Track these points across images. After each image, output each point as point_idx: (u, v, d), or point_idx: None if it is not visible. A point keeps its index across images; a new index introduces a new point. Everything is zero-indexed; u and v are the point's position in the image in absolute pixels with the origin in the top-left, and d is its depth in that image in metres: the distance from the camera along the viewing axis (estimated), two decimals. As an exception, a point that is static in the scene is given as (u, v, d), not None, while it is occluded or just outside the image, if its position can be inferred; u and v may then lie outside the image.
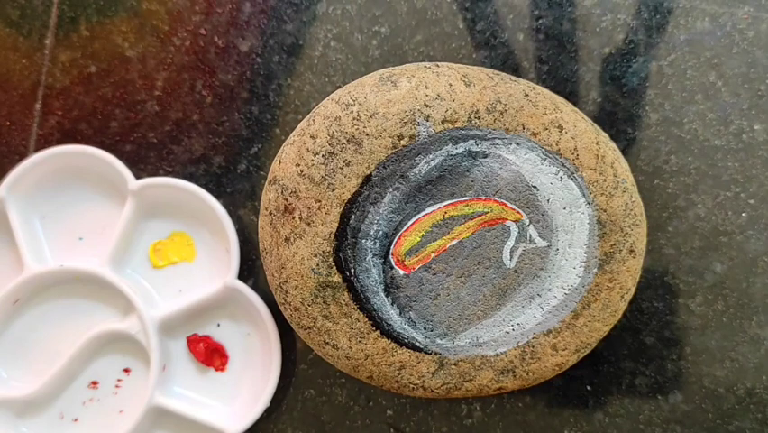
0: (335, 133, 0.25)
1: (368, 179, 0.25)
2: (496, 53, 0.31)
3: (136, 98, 0.33)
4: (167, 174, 0.32)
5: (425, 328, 0.26)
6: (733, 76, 0.30)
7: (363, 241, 0.25)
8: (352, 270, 0.26)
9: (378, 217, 0.25)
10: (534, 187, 0.26)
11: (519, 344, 0.26)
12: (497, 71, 0.27)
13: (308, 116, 0.26)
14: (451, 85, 0.25)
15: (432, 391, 0.27)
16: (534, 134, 0.26)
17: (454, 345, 0.26)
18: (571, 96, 0.31)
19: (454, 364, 0.26)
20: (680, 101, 0.31)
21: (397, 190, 0.25)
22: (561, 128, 0.26)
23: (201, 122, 0.32)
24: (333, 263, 0.25)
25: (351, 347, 0.26)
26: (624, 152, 0.31)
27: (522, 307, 0.26)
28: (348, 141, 0.25)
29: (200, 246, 0.32)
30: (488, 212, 0.26)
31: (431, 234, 0.26)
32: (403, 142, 0.25)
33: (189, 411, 0.31)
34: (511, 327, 0.26)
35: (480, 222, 0.26)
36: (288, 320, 0.27)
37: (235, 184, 0.32)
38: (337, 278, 0.26)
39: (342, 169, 0.25)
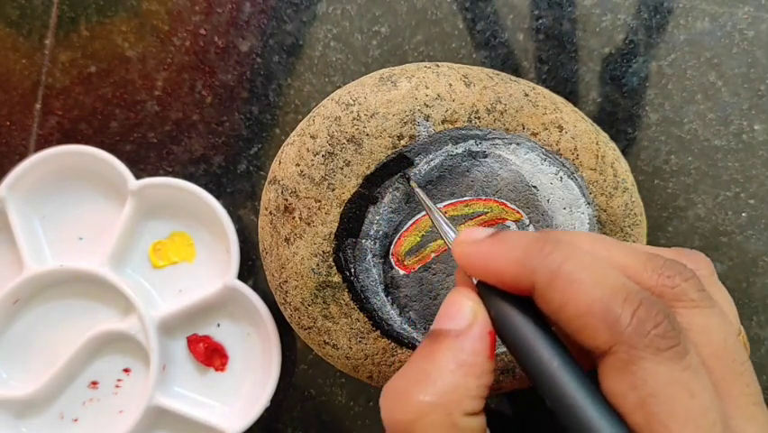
0: (335, 133, 0.25)
1: (368, 179, 0.25)
2: (496, 53, 0.31)
3: (136, 98, 0.33)
4: (167, 174, 0.32)
5: (425, 328, 0.26)
6: (733, 76, 0.30)
7: (363, 241, 0.25)
8: (352, 270, 0.26)
9: (378, 217, 0.25)
10: (534, 187, 0.26)
11: (519, 344, 0.26)
12: (497, 71, 0.27)
13: (308, 116, 0.26)
14: (451, 85, 0.25)
15: (432, 391, 0.27)
16: (534, 134, 0.26)
17: (454, 345, 0.26)
18: (571, 96, 0.31)
19: (454, 364, 0.26)
20: (680, 101, 0.31)
21: (397, 190, 0.25)
22: (561, 128, 0.26)
23: (201, 122, 0.32)
24: (333, 263, 0.25)
25: (351, 347, 0.26)
26: (624, 152, 0.30)
27: (522, 307, 0.26)
28: (348, 141, 0.25)
29: (200, 246, 0.32)
30: (488, 212, 0.26)
31: (431, 234, 0.26)
32: (403, 142, 0.25)
33: (189, 411, 0.31)
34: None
35: (480, 222, 0.26)
36: (288, 320, 0.27)
37: (235, 184, 0.32)
38: (337, 278, 0.26)
39: (342, 169, 0.25)
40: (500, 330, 0.18)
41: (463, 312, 0.18)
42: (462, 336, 0.18)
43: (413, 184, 0.25)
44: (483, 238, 0.18)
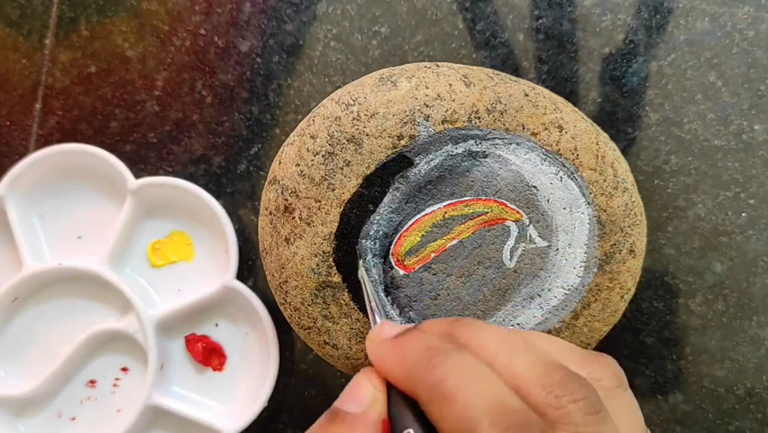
0: (335, 133, 0.25)
1: (368, 179, 0.25)
2: (496, 53, 0.31)
3: (136, 98, 0.33)
4: (167, 174, 0.32)
5: (424, 328, 0.26)
6: (733, 76, 0.30)
7: (363, 241, 0.25)
8: (352, 270, 0.26)
9: (378, 217, 0.25)
10: (534, 187, 0.26)
11: (519, 344, 0.26)
12: (497, 71, 0.27)
13: (308, 116, 0.26)
14: (451, 85, 0.25)
15: (431, 391, 0.27)
16: (534, 134, 0.26)
17: (454, 345, 0.26)
18: (571, 96, 0.31)
19: (454, 364, 0.26)
20: (680, 101, 0.31)
21: (397, 190, 0.25)
22: (561, 128, 0.26)
23: (201, 122, 0.32)
24: (333, 263, 0.25)
25: (351, 347, 0.26)
26: (624, 152, 0.30)
27: (522, 307, 0.26)
28: (348, 141, 0.25)
29: (199, 246, 0.32)
30: (488, 212, 0.26)
31: (431, 234, 0.26)
32: (403, 143, 0.25)
33: (187, 411, 0.31)
34: (511, 327, 0.26)
35: (480, 222, 0.26)
36: (288, 320, 0.27)
37: (235, 184, 0.32)
38: (337, 278, 0.26)
39: (342, 169, 0.25)
40: (393, 421, 0.18)
41: (363, 397, 0.19)
42: (357, 420, 0.18)
43: (360, 270, 0.25)
44: (390, 339, 0.19)
